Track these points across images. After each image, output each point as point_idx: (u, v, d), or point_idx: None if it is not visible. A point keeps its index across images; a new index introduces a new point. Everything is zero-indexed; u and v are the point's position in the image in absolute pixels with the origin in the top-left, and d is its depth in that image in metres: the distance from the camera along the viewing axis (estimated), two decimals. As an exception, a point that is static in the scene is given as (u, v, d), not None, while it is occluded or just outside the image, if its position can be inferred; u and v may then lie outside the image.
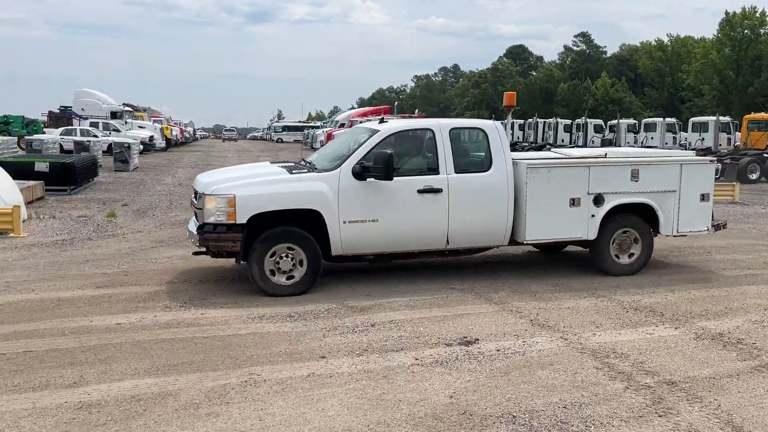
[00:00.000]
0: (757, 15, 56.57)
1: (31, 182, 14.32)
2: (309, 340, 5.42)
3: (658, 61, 73.13)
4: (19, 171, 14.32)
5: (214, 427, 3.85)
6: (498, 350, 5.22)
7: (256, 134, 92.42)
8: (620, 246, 7.80)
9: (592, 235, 7.60)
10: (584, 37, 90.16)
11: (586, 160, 7.75)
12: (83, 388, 4.38)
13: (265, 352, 5.12)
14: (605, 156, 7.96)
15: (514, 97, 8.73)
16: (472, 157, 7.69)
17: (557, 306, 6.54)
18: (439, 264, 8.46)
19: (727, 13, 57.88)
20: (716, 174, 21.18)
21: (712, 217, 8.22)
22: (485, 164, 7.39)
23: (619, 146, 32.72)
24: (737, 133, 31.86)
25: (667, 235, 7.93)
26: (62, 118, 42.54)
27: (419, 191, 7.08)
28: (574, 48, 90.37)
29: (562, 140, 39.84)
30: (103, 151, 26.36)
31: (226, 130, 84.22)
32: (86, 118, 38.14)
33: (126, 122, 39.27)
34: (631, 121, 42.28)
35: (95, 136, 30.05)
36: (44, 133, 35.05)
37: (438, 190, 7.11)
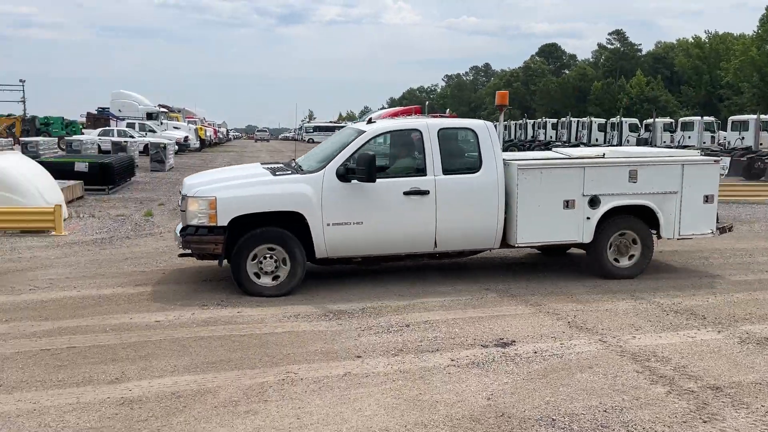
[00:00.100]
0: (800, 10, 54.88)
1: (72, 182, 14.67)
2: (344, 340, 5.43)
3: (695, 59, 71.57)
4: (59, 171, 14.67)
5: (253, 425, 3.88)
6: (535, 352, 5.15)
7: (288, 134, 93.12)
8: (618, 249, 7.53)
9: (587, 238, 7.35)
10: (619, 34, 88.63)
11: (580, 161, 7.49)
12: (125, 384, 4.46)
13: (301, 351, 5.15)
14: (603, 156, 7.70)
15: (507, 96, 8.48)
16: (461, 158, 7.46)
17: (595, 308, 6.43)
18: (473, 265, 8.40)
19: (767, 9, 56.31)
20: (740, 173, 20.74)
21: (717, 219, 7.90)
22: (475, 165, 7.20)
23: (655, 145, 32.13)
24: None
25: (669, 238, 7.66)
26: (100, 119, 43.54)
27: (405, 193, 6.92)
28: (608, 46, 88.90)
29: (596, 139, 39.29)
30: (140, 152, 26.91)
31: (258, 131, 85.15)
32: (123, 119, 38.96)
33: (161, 123, 39.99)
34: (668, 119, 41.47)
35: (132, 136, 30.66)
36: (83, 133, 35.92)
37: (425, 192, 6.95)
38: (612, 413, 4.07)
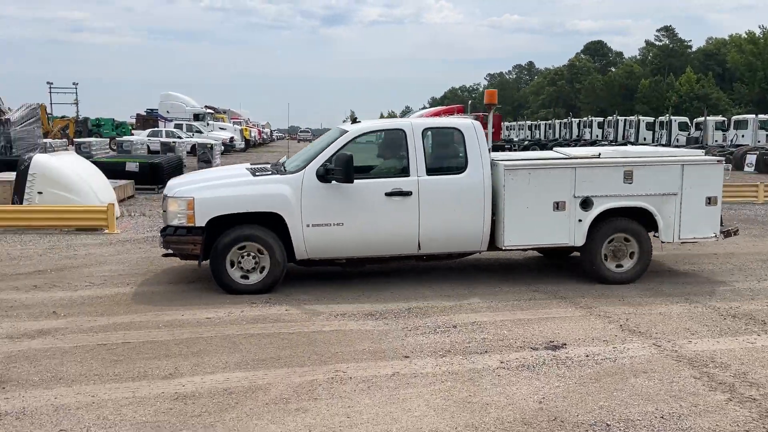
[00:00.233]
0: None
1: (123, 181, 15.08)
2: (391, 339, 5.42)
3: (748, 55, 68.99)
4: (111, 171, 15.10)
5: (304, 423, 3.91)
6: (587, 356, 5.05)
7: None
8: (614, 253, 7.23)
9: (579, 241, 7.09)
10: (667, 31, 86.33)
11: (570, 161, 7.23)
12: (178, 379, 4.55)
13: (349, 350, 5.16)
14: (599, 156, 7.41)
15: (495, 94, 8.20)
16: (447, 158, 7.28)
17: (648, 311, 6.26)
18: (519, 265, 8.29)
19: (828, 2, 53.95)
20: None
21: (721, 222, 7.53)
22: (461, 165, 7.03)
23: (707, 144, 31.16)
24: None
25: (668, 241, 7.32)
26: (149, 120, 44.70)
27: (387, 194, 6.80)
28: (657, 43, 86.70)
29: (644, 138, 38.35)
30: (187, 152, 27.51)
31: (300, 131, 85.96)
32: (171, 120, 39.90)
33: (208, 124, 40.80)
34: (720, 118, 40.16)
35: (179, 137, 31.37)
36: (132, 134, 36.93)
37: (407, 193, 6.82)
38: (669, 420, 3.95)
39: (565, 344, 5.31)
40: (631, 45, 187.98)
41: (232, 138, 38.70)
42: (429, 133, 7.14)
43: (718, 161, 7.39)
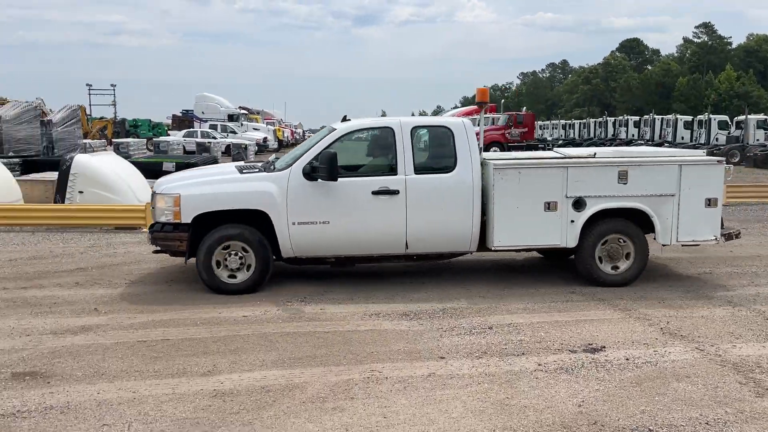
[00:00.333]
0: None
1: (160, 181, 15.34)
2: (427, 340, 5.40)
3: (792, 51, 67.03)
4: (149, 170, 15.37)
5: (341, 422, 3.91)
6: (627, 359, 4.95)
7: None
8: (609, 255, 7.05)
9: (571, 242, 6.92)
10: (706, 27, 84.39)
11: (562, 161, 7.05)
12: (216, 377, 4.60)
13: (385, 350, 5.16)
14: (594, 156, 7.21)
15: (487, 93, 7.96)
16: (436, 157, 7.20)
17: (689, 314, 6.12)
18: (555, 267, 8.18)
19: None
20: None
21: (722, 224, 7.26)
22: (450, 165, 6.92)
23: (748, 144, 30.33)
24: None
25: (666, 244, 7.10)
26: (184, 120, 45.42)
27: (374, 192, 6.73)
28: (695, 40, 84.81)
29: (682, 137, 37.49)
30: (222, 152, 27.88)
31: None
32: (206, 121, 40.50)
33: (242, 124, 41.31)
34: (761, 116, 39.03)
35: (214, 137, 31.82)
36: (168, 135, 37.58)
37: (394, 192, 6.74)
38: (714, 426, 3.85)
39: (603, 347, 5.22)
40: (668, 42, 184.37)
41: (265, 138, 39.10)
42: (418, 131, 7.10)
43: (718, 161, 7.11)
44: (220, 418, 3.95)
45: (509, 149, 28.39)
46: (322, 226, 6.74)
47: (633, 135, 41.12)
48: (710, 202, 6.98)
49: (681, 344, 5.28)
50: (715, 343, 5.29)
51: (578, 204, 6.86)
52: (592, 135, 46.45)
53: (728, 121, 38.72)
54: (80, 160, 12.20)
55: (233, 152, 24.59)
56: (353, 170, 7.01)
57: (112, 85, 61.46)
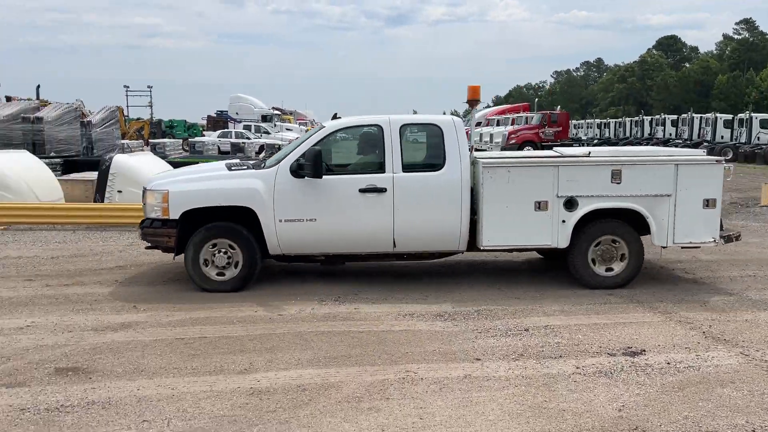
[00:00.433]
0: None
1: (196, 181, 15.56)
2: (461, 341, 5.36)
3: (838, 47, 64.79)
4: (185, 170, 15.63)
5: (376, 422, 3.90)
6: (668, 363, 4.83)
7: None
8: (602, 256, 6.90)
9: (563, 242, 6.78)
10: (747, 23, 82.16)
11: (553, 160, 6.89)
12: (253, 375, 4.64)
13: (419, 350, 5.13)
14: (588, 155, 7.03)
15: (479, 90, 7.78)
16: (424, 155, 7.15)
17: (732, 318, 5.95)
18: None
19: None
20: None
21: (721, 226, 7.00)
22: (438, 163, 6.86)
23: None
24: None
25: (662, 246, 6.89)
26: (219, 121, 46.09)
27: (361, 190, 6.70)
28: (735, 36, 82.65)
29: (722, 136, 36.55)
30: (256, 152, 28.18)
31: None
32: (240, 122, 41.04)
33: (275, 125, 41.73)
34: (807, 114, 37.80)
35: (248, 138, 32.20)
36: (203, 135, 38.14)
37: (382, 190, 6.69)
38: (762, 434, 3.73)
39: (643, 350, 5.10)
40: (707, 39, 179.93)
41: (298, 138, 39.42)
42: (407, 129, 7.05)
43: (716, 161, 6.88)
44: (257, 416, 3.98)
45: (543, 149, 28.06)
46: (309, 224, 6.74)
47: (670, 134, 40.25)
48: (708, 203, 6.78)
49: (724, 349, 5.14)
50: (760, 348, 5.14)
51: (570, 204, 6.74)
52: (627, 134, 45.62)
53: (771, 119, 37.59)
54: (119, 160, 12.47)
55: (267, 152, 24.81)
56: (342, 168, 7.03)
57: (148, 87, 62.59)
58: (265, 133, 37.11)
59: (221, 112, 49.19)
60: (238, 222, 6.78)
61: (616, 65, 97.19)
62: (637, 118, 47.62)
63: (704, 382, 4.50)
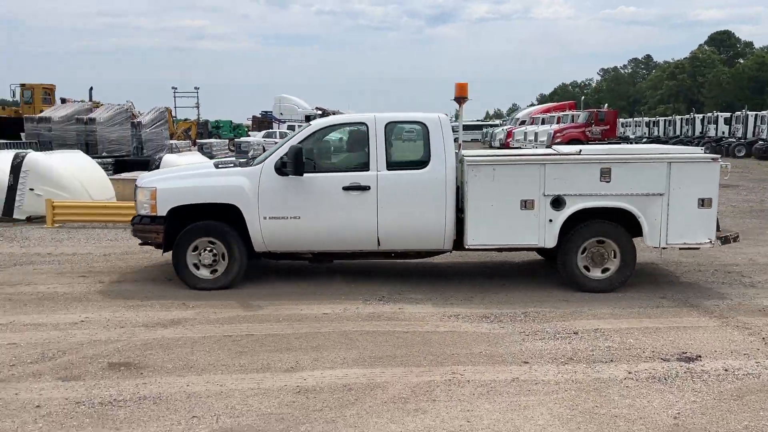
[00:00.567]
0: None
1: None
2: (508, 344, 5.27)
3: None
4: (231, 170, 15.87)
5: (423, 424, 3.87)
6: (726, 370, 4.65)
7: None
8: (592, 257, 6.69)
9: (550, 242, 6.61)
10: (807, 16, 78.67)
11: (539, 157, 6.73)
12: (299, 373, 4.66)
13: (465, 352, 5.07)
14: (579, 153, 6.77)
15: (466, 87, 7.53)
16: (409, 153, 7.08)
17: (794, 324, 5.69)
18: (643, 270, 7.82)
19: None
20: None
21: (718, 227, 6.67)
22: (423, 161, 6.80)
23: None
24: None
25: (655, 246, 6.62)
26: (263, 121, 46.74)
27: (345, 188, 6.69)
28: (794, 30, 79.25)
29: (779, 134, 35.11)
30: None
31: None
32: (284, 122, 41.49)
33: (318, 124, 41.94)
34: None
35: (292, 137, 32.51)
36: (249, 135, 38.72)
37: (365, 188, 6.67)
38: (829, 447, 3.55)
39: (699, 356, 4.93)
40: (762, 34, 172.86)
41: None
42: (392, 127, 7.00)
43: (712, 159, 6.58)
44: (304, 415, 3.99)
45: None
46: (293, 221, 6.77)
47: (723, 132, 38.94)
48: (704, 203, 6.54)
49: (786, 356, 4.92)
50: (825, 357, 4.90)
51: (557, 203, 6.59)
52: (678, 132, 44.34)
53: (831, 116, 35.99)
54: (168, 159, 12.77)
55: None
56: (327, 166, 7.06)
57: (195, 88, 63.77)
58: (308, 132, 37.38)
59: (266, 112, 49.81)
60: (225, 219, 6.88)
61: (666, 62, 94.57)
62: (687, 116, 46.23)
63: (765, 390, 4.31)
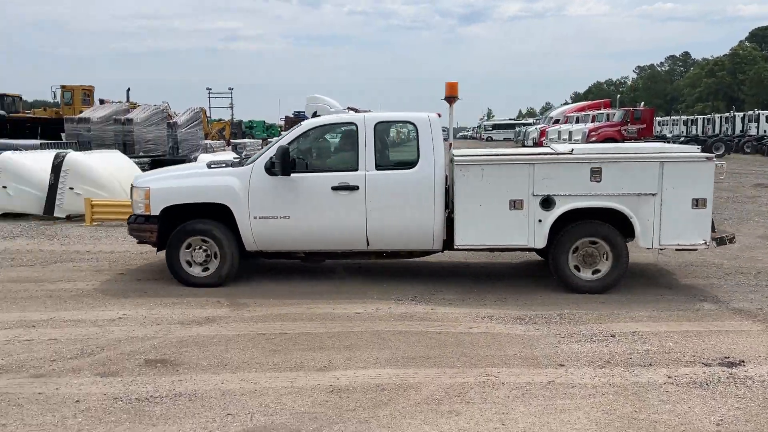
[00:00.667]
0: None
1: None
2: (543, 346, 5.19)
3: None
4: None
5: (457, 426, 3.83)
6: (771, 376, 4.50)
7: (466, 133, 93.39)
8: (584, 258, 6.59)
9: (539, 243, 6.55)
10: None
11: (527, 157, 6.66)
12: (332, 372, 4.66)
13: (499, 354, 5.01)
14: (571, 152, 6.58)
15: (457, 87, 7.36)
16: (398, 153, 7.07)
17: (843, 330, 5.48)
18: (682, 272, 7.64)
19: None
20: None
21: (713, 227, 6.44)
22: (412, 160, 6.79)
23: None
24: None
25: (647, 247, 6.44)
26: (296, 121, 46.89)
27: (334, 188, 6.71)
28: (840, 25, 76.65)
29: (824, 133, 34.01)
30: (331, 151, 28.52)
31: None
32: (316, 121, 41.50)
33: (349, 124, 42.04)
34: None
35: (324, 137, 32.64)
36: (281, 135, 38.86)
37: (354, 188, 6.68)
38: None
39: (742, 361, 4.78)
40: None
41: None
42: (382, 127, 7.00)
43: (707, 158, 6.37)
44: (337, 414, 3.99)
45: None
46: (283, 221, 6.82)
47: (765, 131, 37.83)
48: (698, 203, 6.39)
49: (836, 363, 4.74)
50: None
51: (546, 203, 6.51)
52: (717, 131, 43.24)
53: None
54: (203, 159, 12.89)
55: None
56: (316, 166, 7.07)
57: (229, 89, 64.36)
58: (340, 132, 37.54)
59: (298, 112, 50.01)
60: (218, 219, 6.95)
61: (704, 59, 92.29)
62: (727, 114, 45.06)
63: (813, 398, 4.16)
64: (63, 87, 29.44)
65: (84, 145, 19.58)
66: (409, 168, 6.83)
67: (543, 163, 6.55)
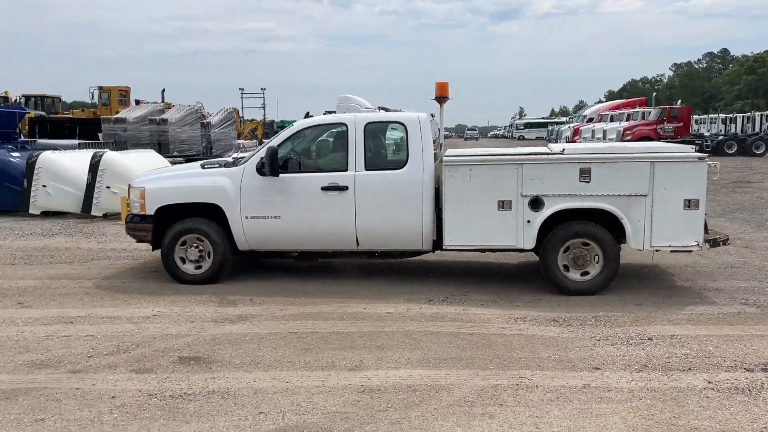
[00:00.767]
0: None
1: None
2: (578, 349, 5.10)
3: None
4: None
5: (490, 429, 3.78)
6: (817, 383, 4.34)
7: (497, 132, 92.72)
8: (574, 259, 6.52)
9: (528, 243, 6.50)
10: None
11: (515, 157, 6.57)
12: (363, 372, 4.64)
13: (533, 356, 4.94)
14: (562, 152, 6.40)
15: (447, 87, 7.12)
16: (388, 154, 7.24)
17: None
18: (722, 274, 7.43)
19: None
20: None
21: (706, 229, 6.25)
22: (402, 161, 6.82)
23: None
24: None
25: (639, 249, 6.29)
26: (326, 121, 47.06)
27: (323, 188, 6.76)
28: None
29: None
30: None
31: (467, 130, 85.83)
32: (347, 121, 41.62)
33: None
34: None
35: (354, 136, 32.71)
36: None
37: (343, 188, 6.72)
38: None
39: (787, 368, 4.62)
40: None
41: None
42: (372, 127, 6.97)
43: (699, 158, 6.19)
44: (369, 415, 3.97)
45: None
46: (273, 221, 6.91)
47: (808, 129, 36.66)
48: (690, 204, 6.26)
49: None
50: None
51: (535, 203, 6.45)
52: (757, 129, 42.08)
53: None
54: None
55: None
56: (307, 166, 7.09)
57: (261, 89, 64.86)
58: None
59: (329, 112, 50.36)
60: (212, 218, 7.07)
61: (744, 56, 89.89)
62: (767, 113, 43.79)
63: None
64: (100, 88, 30.08)
65: (120, 145, 19.98)
66: (399, 168, 6.85)
67: (531, 163, 6.50)
